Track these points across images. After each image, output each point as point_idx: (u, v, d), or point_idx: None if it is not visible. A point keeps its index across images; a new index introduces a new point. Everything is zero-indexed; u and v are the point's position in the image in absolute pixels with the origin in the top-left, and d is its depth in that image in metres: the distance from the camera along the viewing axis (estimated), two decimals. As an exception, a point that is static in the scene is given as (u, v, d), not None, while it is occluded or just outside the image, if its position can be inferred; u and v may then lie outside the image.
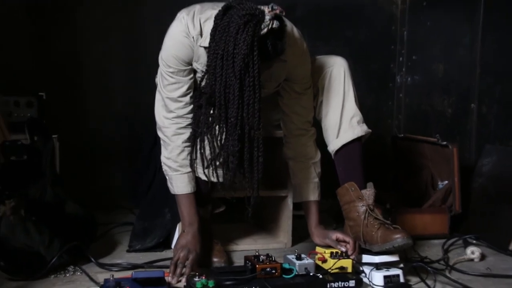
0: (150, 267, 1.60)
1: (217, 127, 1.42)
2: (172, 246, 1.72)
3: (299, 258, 1.46)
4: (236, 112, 1.35)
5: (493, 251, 1.85)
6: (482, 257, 1.76)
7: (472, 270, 1.62)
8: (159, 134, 1.60)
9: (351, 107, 1.67)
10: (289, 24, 1.52)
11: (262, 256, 1.44)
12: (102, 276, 1.45)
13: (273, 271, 1.40)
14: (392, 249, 1.52)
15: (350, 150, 1.67)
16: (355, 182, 1.64)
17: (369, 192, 1.63)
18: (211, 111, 1.42)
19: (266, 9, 1.34)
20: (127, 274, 1.39)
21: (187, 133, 1.54)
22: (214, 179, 1.51)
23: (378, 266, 1.50)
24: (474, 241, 1.91)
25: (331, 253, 1.51)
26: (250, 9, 1.32)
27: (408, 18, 2.63)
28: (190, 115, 1.54)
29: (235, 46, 1.31)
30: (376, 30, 2.65)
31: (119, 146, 2.42)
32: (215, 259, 1.61)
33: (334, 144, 1.68)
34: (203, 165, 1.50)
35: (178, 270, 1.46)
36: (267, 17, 1.33)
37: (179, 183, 1.58)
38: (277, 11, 1.35)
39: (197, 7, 1.52)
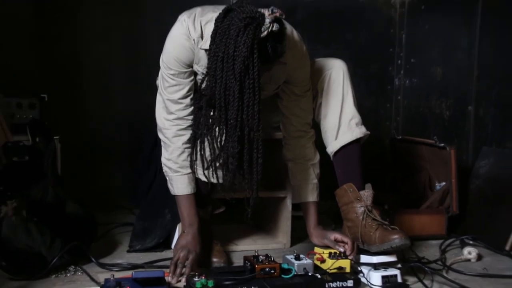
0: (150, 267, 1.60)
1: (217, 129, 1.42)
2: (172, 247, 1.72)
3: (298, 258, 1.47)
4: (236, 114, 1.35)
5: (489, 251, 1.86)
6: (479, 257, 1.76)
7: (469, 270, 1.62)
8: (160, 135, 1.61)
9: (350, 109, 1.68)
10: (289, 27, 1.53)
11: (261, 256, 1.45)
12: (102, 276, 1.45)
13: (272, 271, 1.40)
14: (390, 250, 1.53)
15: (348, 151, 1.68)
16: (353, 183, 1.65)
17: (367, 193, 1.64)
18: (211, 113, 1.42)
19: (266, 12, 1.35)
20: (128, 274, 1.40)
21: (187, 134, 1.55)
22: (214, 180, 1.52)
23: (376, 266, 1.51)
24: (471, 242, 1.92)
25: (330, 253, 1.52)
26: (251, 12, 1.32)
27: (407, 21, 2.64)
28: (191, 117, 1.55)
29: (236, 49, 1.32)
30: (375, 33, 2.66)
31: (120, 147, 2.42)
32: (214, 259, 1.62)
33: (333, 145, 1.69)
34: (203, 166, 1.51)
35: (178, 270, 1.47)
36: (267, 20, 1.33)
37: (179, 184, 1.59)
38: (277, 14, 1.35)
39: (198, 10, 1.53)
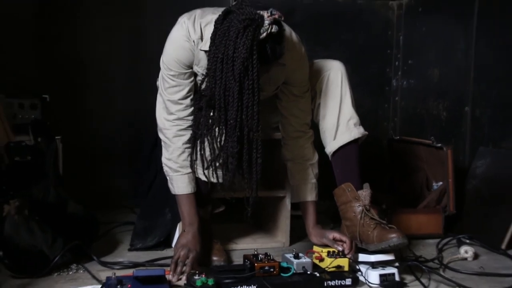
0: (151, 265, 1.61)
1: (216, 129, 1.43)
2: (173, 245, 1.73)
3: (297, 257, 1.48)
4: (236, 115, 1.36)
5: (486, 250, 1.87)
6: (475, 256, 1.77)
7: (466, 269, 1.63)
8: (160, 135, 1.62)
9: (348, 110, 1.69)
10: (287, 29, 1.53)
11: (260, 255, 1.46)
12: (104, 274, 1.46)
13: (272, 270, 1.41)
14: (388, 248, 1.54)
15: (347, 151, 1.69)
16: (351, 183, 1.65)
17: (365, 193, 1.65)
18: (211, 113, 1.43)
19: (265, 14, 1.36)
20: (129, 272, 1.41)
21: (187, 134, 1.56)
22: (213, 180, 1.53)
23: (374, 265, 1.52)
24: (468, 241, 1.93)
25: (328, 252, 1.53)
26: (250, 14, 1.33)
27: (404, 23, 2.65)
28: (191, 117, 1.55)
29: (235, 50, 1.32)
30: (373, 35, 2.67)
31: (120, 147, 2.43)
32: (214, 258, 1.63)
33: (331, 146, 1.70)
34: (203, 166, 1.52)
35: (179, 269, 1.48)
36: (266, 22, 1.34)
37: (180, 184, 1.59)
38: (276, 16, 1.36)
39: (197, 11, 1.54)
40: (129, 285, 1.29)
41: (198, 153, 1.51)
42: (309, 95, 1.71)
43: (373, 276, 1.47)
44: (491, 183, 2.05)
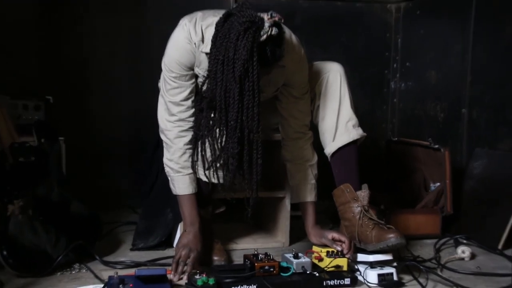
0: (153, 265, 1.62)
1: (217, 130, 1.44)
2: (174, 245, 1.73)
3: (296, 257, 1.49)
4: (236, 116, 1.37)
5: (483, 250, 1.88)
6: (472, 256, 1.78)
7: (463, 269, 1.64)
8: (162, 136, 1.62)
9: (347, 111, 1.70)
10: (287, 31, 1.54)
11: (260, 255, 1.46)
12: (106, 273, 1.47)
13: (272, 269, 1.42)
14: (386, 248, 1.55)
15: (346, 152, 1.69)
16: (350, 184, 1.66)
17: (364, 194, 1.65)
18: (212, 115, 1.44)
19: (266, 17, 1.36)
20: (131, 271, 1.41)
21: (188, 135, 1.57)
22: (214, 180, 1.53)
23: (372, 265, 1.52)
24: (465, 241, 1.94)
25: (327, 252, 1.54)
26: (250, 17, 1.34)
27: (402, 26, 2.66)
28: (192, 119, 1.56)
29: (235, 52, 1.34)
30: (372, 38, 2.67)
31: (123, 148, 2.43)
32: (215, 258, 1.64)
33: (330, 147, 1.71)
34: (204, 166, 1.52)
35: (180, 268, 1.49)
36: (267, 24, 1.35)
37: (181, 184, 1.60)
38: (276, 19, 1.37)
39: (199, 14, 1.55)
40: (131, 285, 1.29)
41: (199, 154, 1.51)
42: (309, 96, 1.72)
43: (372, 276, 1.49)
44: (487, 184, 2.06)
